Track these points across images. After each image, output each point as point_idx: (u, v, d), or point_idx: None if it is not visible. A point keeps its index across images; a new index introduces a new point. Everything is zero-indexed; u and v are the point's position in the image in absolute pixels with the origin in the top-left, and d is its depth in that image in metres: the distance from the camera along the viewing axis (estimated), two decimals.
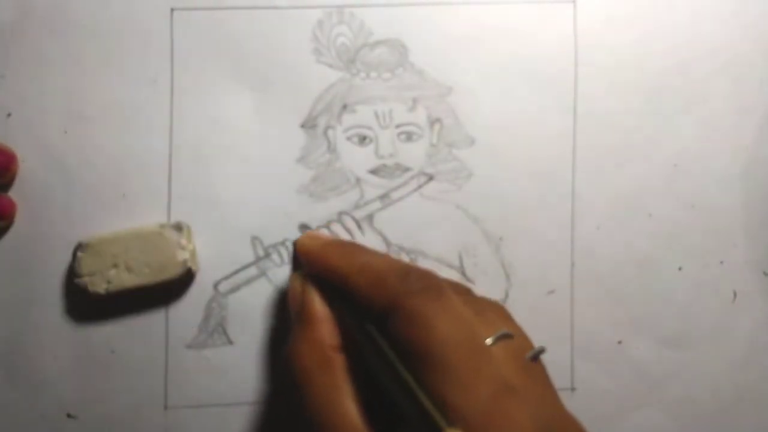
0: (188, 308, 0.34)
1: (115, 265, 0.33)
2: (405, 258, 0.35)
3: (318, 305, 0.29)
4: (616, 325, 0.36)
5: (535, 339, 0.36)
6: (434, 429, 0.23)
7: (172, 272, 0.33)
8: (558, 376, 0.36)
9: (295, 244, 0.35)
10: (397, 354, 0.26)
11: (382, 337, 0.26)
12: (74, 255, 0.33)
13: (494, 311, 0.30)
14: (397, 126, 0.35)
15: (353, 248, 0.31)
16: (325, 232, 0.35)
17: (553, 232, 0.36)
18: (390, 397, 0.26)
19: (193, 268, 0.33)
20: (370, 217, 0.35)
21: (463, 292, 0.31)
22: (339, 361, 0.28)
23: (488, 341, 0.27)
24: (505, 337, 0.28)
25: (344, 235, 0.35)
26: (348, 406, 0.26)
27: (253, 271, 0.35)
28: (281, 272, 0.35)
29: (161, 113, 0.34)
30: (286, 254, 0.35)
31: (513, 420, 0.24)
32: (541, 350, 0.29)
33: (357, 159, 0.35)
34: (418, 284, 0.27)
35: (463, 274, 0.36)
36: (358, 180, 0.35)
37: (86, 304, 0.34)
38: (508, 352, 0.27)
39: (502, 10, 0.36)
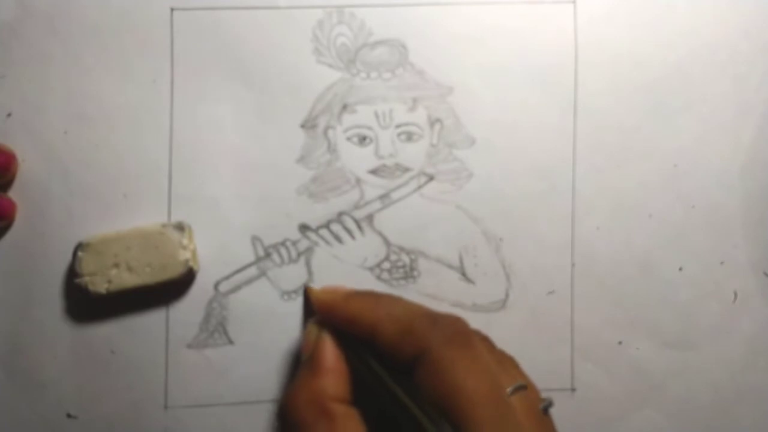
0: (189, 308, 0.34)
1: (116, 265, 0.33)
2: (405, 258, 0.35)
3: (329, 355, 0.29)
4: (616, 325, 0.36)
5: (536, 340, 0.36)
6: None
7: (173, 272, 0.33)
8: (558, 377, 0.36)
9: (306, 290, 0.34)
10: (422, 401, 0.26)
11: (399, 383, 0.27)
12: (74, 255, 0.33)
13: (509, 361, 0.31)
14: (398, 126, 0.35)
15: (377, 297, 0.30)
16: (343, 286, 0.33)
17: (553, 232, 0.36)
18: None
19: (194, 267, 0.33)
20: (370, 218, 0.35)
21: (484, 339, 0.31)
22: (342, 413, 0.27)
23: (508, 391, 0.27)
24: (521, 388, 0.28)
25: (344, 235, 0.35)
26: None
27: (253, 271, 0.35)
28: (281, 272, 0.35)
29: (161, 113, 0.34)
30: (287, 254, 0.35)
31: None
32: (551, 403, 0.29)
33: (357, 159, 0.35)
34: (446, 331, 0.27)
35: (464, 274, 0.35)
36: (358, 180, 0.35)
37: (86, 304, 0.34)
38: (524, 403, 0.28)
39: (502, 10, 0.36)
